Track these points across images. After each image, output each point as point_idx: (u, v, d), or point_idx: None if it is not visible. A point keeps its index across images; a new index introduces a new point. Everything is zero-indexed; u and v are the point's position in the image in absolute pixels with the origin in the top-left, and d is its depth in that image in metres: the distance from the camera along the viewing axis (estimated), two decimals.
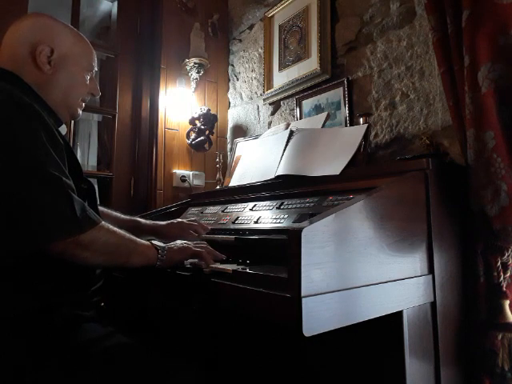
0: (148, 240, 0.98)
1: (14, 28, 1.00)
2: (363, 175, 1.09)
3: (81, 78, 1.05)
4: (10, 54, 0.98)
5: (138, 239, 0.93)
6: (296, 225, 0.88)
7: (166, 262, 0.94)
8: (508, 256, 0.99)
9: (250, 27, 2.37)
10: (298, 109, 1.93)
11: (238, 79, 2.46)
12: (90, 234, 0.81)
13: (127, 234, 0.91)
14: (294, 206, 1.19)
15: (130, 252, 0.90)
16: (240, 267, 0.84)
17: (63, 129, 1.02)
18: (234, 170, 1.74)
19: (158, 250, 0.94)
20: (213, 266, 0.92)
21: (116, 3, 2.39)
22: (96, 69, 1.12)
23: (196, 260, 0.98)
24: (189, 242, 1.02)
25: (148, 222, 1.31)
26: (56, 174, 0.80)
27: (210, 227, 1.28)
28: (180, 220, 1.29)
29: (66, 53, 1.01)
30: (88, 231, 0.81)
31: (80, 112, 1.09)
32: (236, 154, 1.89)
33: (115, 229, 0.89)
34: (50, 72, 0.98)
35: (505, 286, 0.98)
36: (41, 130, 0.83)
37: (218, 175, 2.11)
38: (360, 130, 1.28)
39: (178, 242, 1.02)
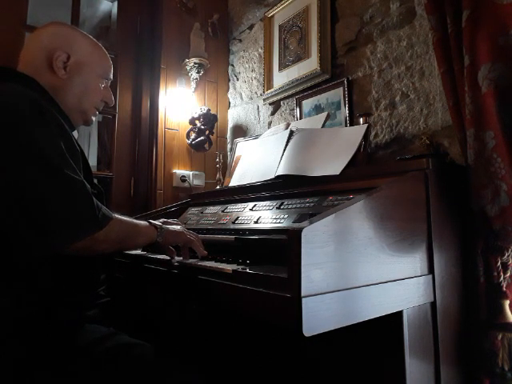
0: (146, 220, 1.04)
1: (35, 35, 1.05)
2: (363, 175, 1.09)
3: (95, 84, 1.08)
4: (29, 59, 1.01)
5: (138, 221, 1.00)
6: (296, 225, 0.88)
7: (163, 241, 1.01)
8: (508, 256, 0.99)
9: (250, 27, 2.37)
10: (297, 109, 1.93)
11: (238, 79, 2.46)
12: (105, 228, 0.85)
13: (129, 219, 0.97)
14: (294, 206, 1.19)
15: (136, 235, 0.97)
16: (240, 267, 0.84)
17: (75, 134, 1.05)
18: (233, 170, 1.74)
19: (157, 228, 1.01)
20: (213, 265, 0.92)
21: (116, 3, 2.39)
22: (111, 78, 1.15)
23: (197, 260, 0.99)
24: (183, 229, 1.08)
25: None
26: (76, 177, 0.82)
27: (210, 227, 1.29)
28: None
29: (81, 60, 1.04)
30: (105, 227, 0.85)
31: (93, 119, 1.12)
32: (236, 154, 1.89)
33: (121, 216, 0.93)
34: (65, 77, 1.01)
35: (505, 285, 0.98)
36: (59, 136, 0.85)
37: (217, 175, 2.11)
38: (360, 129, 1.28)
39: (175, 226, 1.08)
